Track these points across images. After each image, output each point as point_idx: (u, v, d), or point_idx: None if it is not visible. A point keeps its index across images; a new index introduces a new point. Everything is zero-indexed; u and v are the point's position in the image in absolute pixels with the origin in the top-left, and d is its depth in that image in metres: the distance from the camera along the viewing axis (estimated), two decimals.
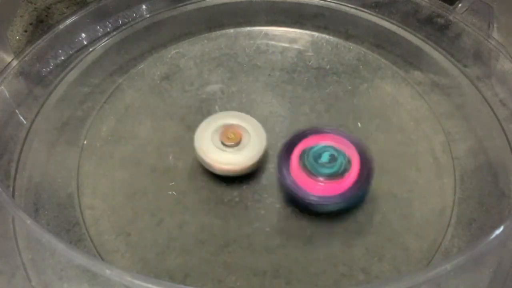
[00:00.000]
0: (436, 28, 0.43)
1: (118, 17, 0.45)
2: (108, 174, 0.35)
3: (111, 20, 0.44)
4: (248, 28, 0.45)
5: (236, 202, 0.34)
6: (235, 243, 0.32)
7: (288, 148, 0.33)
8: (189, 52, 0.44)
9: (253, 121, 0.35)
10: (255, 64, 0.43)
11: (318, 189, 0.31)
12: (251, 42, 0.45)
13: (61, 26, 0.41)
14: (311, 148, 0.33)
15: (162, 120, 0.39)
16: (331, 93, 0.40)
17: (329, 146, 0.33)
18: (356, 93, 0.40)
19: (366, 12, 0.45)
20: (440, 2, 0.44)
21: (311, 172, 0.32)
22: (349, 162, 0.32)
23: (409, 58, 0.43)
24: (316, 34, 0.45)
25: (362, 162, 0.32)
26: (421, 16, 0.44)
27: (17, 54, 0.39)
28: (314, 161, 0.32)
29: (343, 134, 0.34)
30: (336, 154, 0.32)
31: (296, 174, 0.32)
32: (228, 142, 0.34)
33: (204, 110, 0.39)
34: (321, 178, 0.31)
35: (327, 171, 0.32)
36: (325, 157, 0.32)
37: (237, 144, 0.34)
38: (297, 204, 0.33)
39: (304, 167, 0.32)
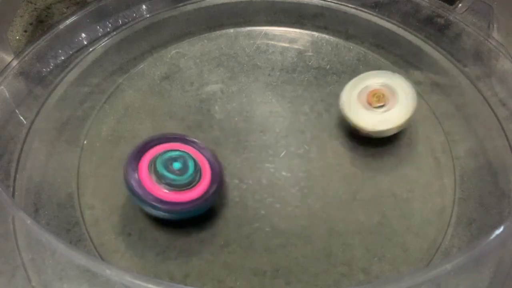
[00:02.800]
0: (436, 28, 0.43)
1: (118, 17, 0.45)
2: (108, 174, 0.35)
3: (111, 20, 0.44)
4: (248, 28, 0.45)
5: (236, 202, 0.34)
6: (235, 243, 0.32)
7: (140, 150, 0.32)
8: (189, 52, 0.44)
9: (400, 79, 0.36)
10: (255, 64, 0.43)
11: (163, 195, 0.30)
12: (251, 42, 0.45)
13: (61, 26, 0.41)
14: (163, 153, 0.31)
15: (162, 120, 0.39)
16: (331, 93, 0.40)
17: (181, 154, 0.31)
18: None
19: (366, 12, 0.45)
20: (440, 2, 0.44)
21: (159, 177, 0.30)
22: (199, 173, 0.31)
23: (409, 58, 0.43)
24: (316, 34, 0.45)
25: (212, 176, 0.31)
26: (421, 16, 0.44)
27: (17, 54, 0.39)
28: (164, 167, 0.30)
29: (197, 145, 0.33)
30: (188, 163, 0.31)
31: (144, 176, 0.30)
32: (376, 103, 0.35)
33: (204, 110, 0.39)
34: (167, 187, 0.30)
35: (175, 181, 0.30)
36: (176, 165, 0.31)
37: (384, 105, 0.35)
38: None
39: (153, 171, 0.30)
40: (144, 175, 0.30)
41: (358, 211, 0.33)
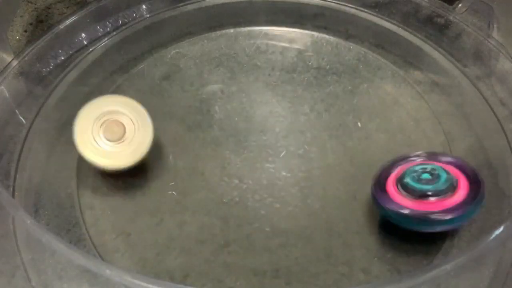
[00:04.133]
0: (436, 28, 0.43)
1: (118, 17, 0.45)
2: (108, 174, 0.35)
3: (111, 20, 0.44)
4: (248, 28, 0.45)
5: (236, 202, 0.34)
6: (235, 243, 0.32)
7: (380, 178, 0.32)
8: (189, 52, 0.44)
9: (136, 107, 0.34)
10: (255, 64, 0.43)
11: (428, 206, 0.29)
12: (251, 42, 0.45)
13: (61, 26, 0.41)
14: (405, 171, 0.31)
15: (162, 120, 0.39)
16: (331, 93, 0.40)
17: (425, 165, 0.31)
18: (356, 93, 0.40)
19: (366, 12, 0.45)
20: (440, 2, 0.44)
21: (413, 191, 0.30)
22: (455, 180, 0.30)
23: (409, 58, 0.43)
24: (316, 34, 0.45)
25: (471, 183, 0.30)
26: (421, 16, 0.44)
27: (17, 54, 0.39)
28: (413, 181, 0.30)
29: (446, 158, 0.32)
30: (437, 170, 0.30)
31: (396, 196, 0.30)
32: (111, 136, 0.33)
33: (204, 110, 0.39)
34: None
35: (429, 187, 0.29)
36: (425, 175, 0.30)
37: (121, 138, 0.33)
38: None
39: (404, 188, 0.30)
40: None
41: (358, 211, 0.33)
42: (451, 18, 0.43)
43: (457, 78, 0.41)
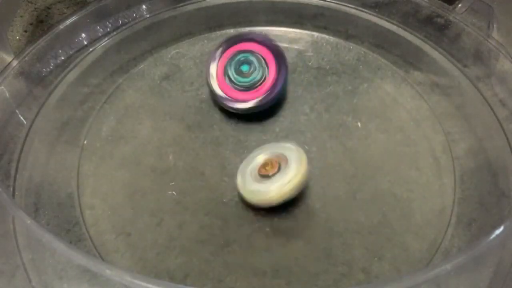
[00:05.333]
0: (436, 28, 0.43)
1: (118, 17, 0.45)
2: (108, 174, 0.35)
3: (111, 20, 0.44)
4: (248, 28, 0.45)
5: (236, 202, 0.34)
6: (235, 243, 0.32)
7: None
8: (189, 52, 0.44)
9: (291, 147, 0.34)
10: None
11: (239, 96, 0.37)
12: None
13: (61, 26, 0.41)
14: (232, 58, 0.38)
15: (162, 120, 0.39)
16: (331, 93, 0.40)
17: (247, 54, 0.38)
18: (356, 93, 0.40)
19: (366, 12, 0.45)
20: (440, 2, 0.44)
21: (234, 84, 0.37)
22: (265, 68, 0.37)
23: (409, 58, 0.43)
24: (316, 34, 0.45)
25: (277, 66, 0.37)
26: (421, 16, 0.44)
27: (17, 54, 0.39)
28: (236, 73, 0.37)
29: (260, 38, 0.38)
30: (254, 62, 0.37)
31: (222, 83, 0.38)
32: (265, 172, 0.32)
33: (204, 110, 0.39)
34: (241, 89, 0.37)
35: (246, 81, 0.37)
36: (245, 67, 0.37)
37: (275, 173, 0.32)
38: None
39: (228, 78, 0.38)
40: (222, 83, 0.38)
41: (358, 211, 0.33)
42: (451, 18, 0.43)
43: (457, 78, 0.41)
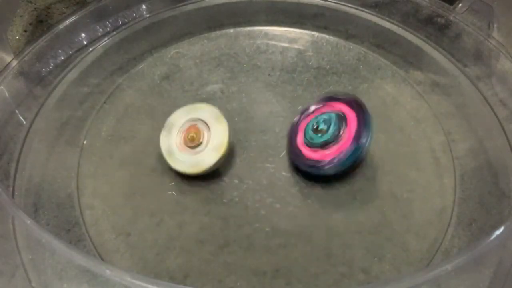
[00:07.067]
0: (436, 28, 0.43)
1: (118, 17, 0.45)
2: (108, 174, 0.35)
3: (111, 20, 0.44)
4: (248, 28, 0.45)
5: (236, 202, 0.34)
6: (235, 243, 0.32)
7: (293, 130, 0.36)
8: (189, 52, 0.44)
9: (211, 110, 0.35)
10: (255, 64, 0.43)
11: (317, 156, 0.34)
12: (251, 42, 0.45)
13: (61, 26, 0.41)
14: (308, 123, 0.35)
15: (162, 120, 0.39)
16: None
17: (321, 114, 0.35)
18: (356, 93, 0.40)
19: (366, 12, 0.45)
20: (440, 2, 0.44)
21: (311, 143, 0.34)
22: (343, 121, 0.34)
23: (409, 58, 0.43)
24: (316, 34, 0.45)
25: (358, 117, 0.33)
26: (421, 16, 0.44)
27: (17, 54, 0.39)
28: (312, 133, 0.34)
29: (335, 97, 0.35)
30: (328, 119, 0.34)
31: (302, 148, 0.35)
32: (191, 143, 0.34)
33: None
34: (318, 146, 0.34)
35: (322, 138, 0.34)
36: (321, 125, 0.34)
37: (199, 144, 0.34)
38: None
39: (306, 142, 0.34)
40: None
41: (358, 211, 0.33)
42: (451, 18, 0.43)
43: (457, 78, 0.41)
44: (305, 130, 0.35)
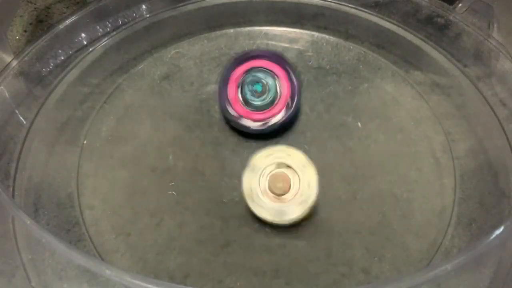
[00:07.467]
0: (436, 28, 0.43)
1: (118, 17, 0.45)
2: (108, 174, 0.35)
3: (111, 20, 0.44)
4: (248, 28, 0.45)
5: (236, 202, 0.34)
6: (235, 243, 0.32)
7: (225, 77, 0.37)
8: (189, 52, 0.44)
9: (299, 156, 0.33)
10: None
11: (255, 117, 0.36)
12: (251, 42, 0.45)
13: (61, 26, 0.41)
14: (245, 77, 0.37)
15: (162, 120, 0.39)
16: (331, 93, 0.40)
17: (260, 73, 0.37)
18: (356, 93, 0.40)
19: (366, 12, 0.45)
20: (440, 2, 0.43)
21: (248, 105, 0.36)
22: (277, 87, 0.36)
23: (409, 58, 0.43)
24: (316, 34, 0.45)
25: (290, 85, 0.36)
26: (421, 16, 0.44)
27: (17, 54, 0.39)
28: (250, 93, 0.36)
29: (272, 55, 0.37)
30: (266, 82, 0.36)
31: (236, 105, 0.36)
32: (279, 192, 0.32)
33: (204, 110, 0.39)
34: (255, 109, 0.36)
35: (259, 102, 0.36)
36: (258, 87, 0.36)
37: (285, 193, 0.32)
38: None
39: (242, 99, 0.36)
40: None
41: (358, 211, 0.33)
42: (451, 18, 0.43)
43: (457, 78, 0.41)
44: (242, 92, 0.36)
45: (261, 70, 0.37)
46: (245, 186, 0.32)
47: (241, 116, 0.36)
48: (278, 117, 0.36)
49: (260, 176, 0.32)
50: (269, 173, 0.32)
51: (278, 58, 0.37)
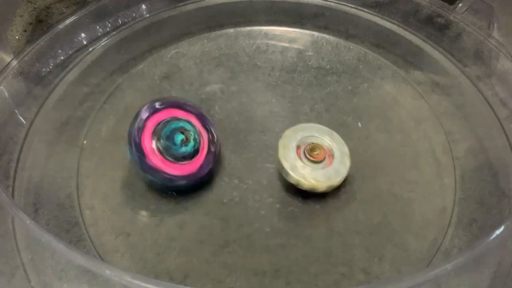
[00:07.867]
0: (436, 28, 0.43)
1: (118, 17, 0.45)
2: (108, 174, 0.35)
3: (111, 20, 0.44)
4: (248, 28, 0.45)
5: (236, 202, 0.34)
6: (235, 243, 0.32)
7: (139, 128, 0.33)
8: (189, 52, 0.44)
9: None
10: (255, 64, 0.43)
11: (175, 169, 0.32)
12: (251, 42, 0.45)
13: (61, 26, 0.41)
14: (163, 126, 0.32)
15: None
16: (331, 93, 0.40)
17: (180, 124, 0.33)
18: (356, 93, 0.40)
19: (366, 12, 0.45)
20: (440, 1, 0.44)
21: (167, 155, 0.32)
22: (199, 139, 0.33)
23: (409, 58, 0.43)
24: (316, 34, 0.45)
25: (209, 139, 0.33)
26: (421, 16, 0.44)
27: (17, 54, 0.39)
28: (169, 143, 0.32)
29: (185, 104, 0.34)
30: (188, 133, 0.33)
31: (152, 156, 0.32)
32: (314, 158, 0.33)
33: (204, 110, 0.39)
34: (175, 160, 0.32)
35: (181, 153, 0.32)
36: (178, 139, 0.32)
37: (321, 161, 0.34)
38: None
39: (158, 150, 0.32)
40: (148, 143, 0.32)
41: (358, 211, 0.33)
42: (451, 18, 0.43)
43: (458, 78, 0.41)
44: (160, 136, 0.32)
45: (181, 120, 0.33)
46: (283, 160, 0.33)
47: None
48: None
49: (294, 149, 0.34)
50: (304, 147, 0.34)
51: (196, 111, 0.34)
